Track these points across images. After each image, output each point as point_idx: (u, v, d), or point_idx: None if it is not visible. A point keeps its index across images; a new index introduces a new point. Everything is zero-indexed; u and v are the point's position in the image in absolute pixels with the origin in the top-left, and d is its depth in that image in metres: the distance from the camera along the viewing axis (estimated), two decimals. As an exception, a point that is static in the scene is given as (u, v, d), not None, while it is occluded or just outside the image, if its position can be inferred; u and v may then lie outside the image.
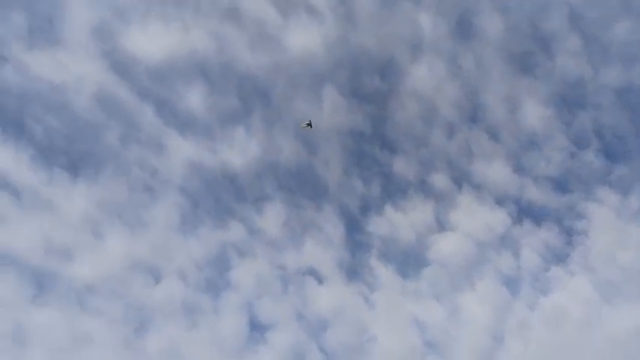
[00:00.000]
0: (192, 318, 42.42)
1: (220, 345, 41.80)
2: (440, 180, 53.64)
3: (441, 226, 52.02)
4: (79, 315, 39.60)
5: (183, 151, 47.77)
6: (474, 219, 52.29)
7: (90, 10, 46.82)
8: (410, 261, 50.15)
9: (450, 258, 50.04)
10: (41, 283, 39.76)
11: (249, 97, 50.83)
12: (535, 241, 51.24)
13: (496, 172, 54.61)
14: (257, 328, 43.75)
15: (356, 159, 53.08)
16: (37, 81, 44.21)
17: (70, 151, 44.37)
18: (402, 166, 53.35)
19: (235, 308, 43.76)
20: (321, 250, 48.29)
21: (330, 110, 53.14)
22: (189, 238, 45.11)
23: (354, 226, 50.49)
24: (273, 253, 46.97)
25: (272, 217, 48.28)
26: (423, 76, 55.44)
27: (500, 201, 53.45)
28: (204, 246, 45.09)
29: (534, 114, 55.79)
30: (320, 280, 47.21)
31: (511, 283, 49.35)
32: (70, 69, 45.57)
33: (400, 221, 51.41)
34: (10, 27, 44.26)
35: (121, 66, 47.31)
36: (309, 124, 43.33)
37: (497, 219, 52.35)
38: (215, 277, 44.88)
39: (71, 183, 43.36)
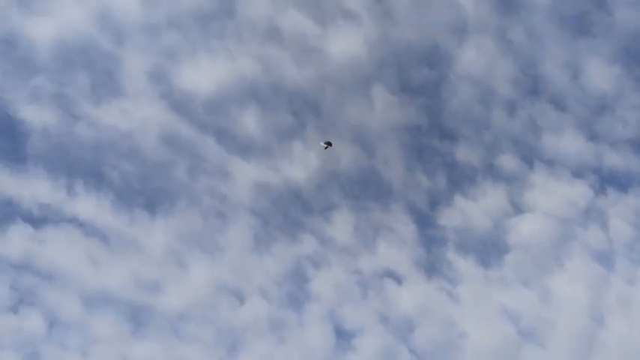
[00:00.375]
0: (280, 333, 43.65)
1: (310, 356, 42.63)
2: (508, 161, 51.74)
3: (517, 208, 50.09)
4: (175, 343, 42.08)
5: (247, 174, 49.51)
6: (552, 196, 49.84)
7: (143, 58, 50.11)
8: (489, 249, 48.60)
9: (532, 240, 47.97)
10: (137, 317, 42.70)
11: (300, 111, 51.92)
12: (623, 209, 47.93)
13: (568, 143, 51.86)
14: (343, 336, 44.20)
15: (416, 154, 52.49)
16: (107, 132, 47.83)
17: (146, 191, 47.43)
18: (466, 154, 52.04)
19: (319, 319, 44.51)
20: (395, 250, 48.04)
21: (382, 109, 53.04)
22: (265, 257, 46.57)
23: (424, 221, 49.84)
24: (347, 260, 47.36)
25: (341, 225, 48.74)
26: (473, 58, 53.95)
27: (577, 173, 50.70)
28: (280, 262, 46.38)
29: (600, 75, 52.49)
30: (399, 281, 46.93)
31: (604, 258, 46.40)
32: (134, 115, 48.85)
33: (472, 210, 50.04)
34: (76, 87, 48.37)
35: (179, 104, 50.07)
36: (328, 144, 43.69)
37: (578, 192, 49.57)
38: (295, 290, 45.96)
39: (150, 221, 46.27)
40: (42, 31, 48.08)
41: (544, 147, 51.76)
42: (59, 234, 44.10)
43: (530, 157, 51.61)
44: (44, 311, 41.35)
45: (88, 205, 45.31)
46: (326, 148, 43.74)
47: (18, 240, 43.07)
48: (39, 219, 44.18)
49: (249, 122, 50.60)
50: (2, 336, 39.92)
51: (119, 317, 41.99)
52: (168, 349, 41.51)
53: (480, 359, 42.58)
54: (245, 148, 50.12)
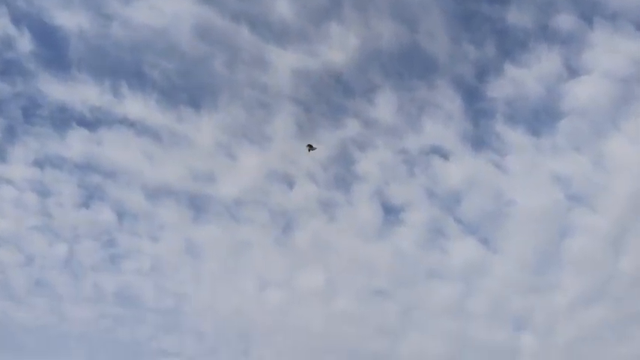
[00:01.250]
0: (330, 213, 47.81)
1: (360, 231, 46.85)
2: (565, 20, 49.49)
3: (574, 72, 49.00)
4: (234, 226, 47.40)
5: (286, 62, 50.61)
6: (613, 55, 48.06)
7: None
8: (541, 117, 48.88)
9: (588, 104, 47.44)
10: (196, 205, 47.96)
11: (334, -12, 51.11)
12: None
13: (635, -7, 48.80)
14: (391, 211, 47.80)
15: (463, 22, 51.19)
16: (141, 30, 49.66)
17: (188, 88, 50.23)
18: (517, 16, 49.99)
19: (367, 198, 47.99)
20: (441, 127, 49.27)
21: (423, -24, 51.23)
22: (311, 142, 49.34)
23: (472, 95, 50.16)
24: (392, 140, 49.39)
25: (385, 106, 50.05)
26: None
27: (643, 26, 48.26)
28: (325, 146, 49.22)
29: None
30: (445, 157, 48.87)
31: (665, 116, 45.61)
32: (165, 11, 50.02)
33: (524, 77, 49.46)
34: (105, -14, 49.75)
35: (208, -6, 50.54)
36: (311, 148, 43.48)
37: (642, 47, 47.66)
38: (342, 173, 49.26)
39: (196, 116, 49.61)
40: None
41: (606, 0, 49.17)
42: (113, 135, 48.55)
43: (590, 13, 49.05)
44: (112, 205, 47.35)
45: (135, 106, 48.88)
46: (310, 150, 44.26)
47: (77, 143, 48.00)
48: (92, 122, 48.59)
49: (282, 6, 50.49)
50: (80, 228, 46.73)
51: (180, 206, 47.41)
52: (228, 230, 47.05)
53: (528, 224, 45.21)
54: (280, 35, 50.79)
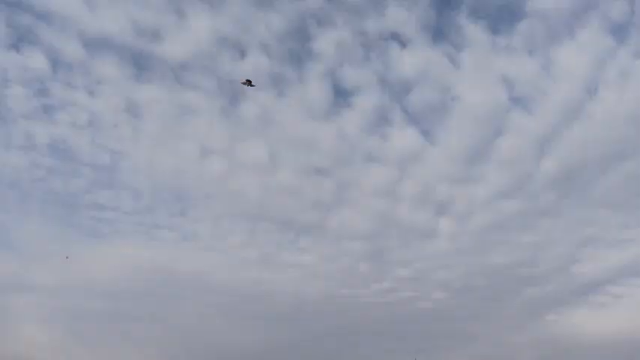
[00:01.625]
0: (280, 88, 47.54)
1: (308, 110, 47.43)
2: None
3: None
4: (178, 89, 46.29)
5: None
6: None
7: None
8: (504, 15, 48.99)
9: (550, 7, 47.34)
10: (139, 63, 45.93)
11: None
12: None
13: None
14: (341, 94, 48.30)
15: None
16: None
17: None
18: None
19: (319, 76, 47.84)
20: (404, 13, 48.15)
21: None
22: (268, 11, 46.95)
23: (441, -18, 48.73)
24: (353, 20, 48.16)
25: (350, -20, 47.76)
26: None
27: None
28: (283, 18, 47.25)
29: None
30: (403, 44, 48.65)
31: (618, 31, 46.87)
32: None
33: (497, -30, 48.34)
34: None
35: None
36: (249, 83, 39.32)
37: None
38: (297, 48, 48.15)
39: (142, -40, 45.14)
40: None
41: None
42: (46, -30, 43.70)
43: None
44: (46, 51, 44.29)
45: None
46: (248, 86, 40.21)
47: (4, -26, 43.00)
48: (21, -49, 43.22)
49: None
50: (9, 72, 43.78)
51: (122, 62, 45.10)
52: (172, 93, 45.97)
53: (467, 121, 47.36)
54: None
